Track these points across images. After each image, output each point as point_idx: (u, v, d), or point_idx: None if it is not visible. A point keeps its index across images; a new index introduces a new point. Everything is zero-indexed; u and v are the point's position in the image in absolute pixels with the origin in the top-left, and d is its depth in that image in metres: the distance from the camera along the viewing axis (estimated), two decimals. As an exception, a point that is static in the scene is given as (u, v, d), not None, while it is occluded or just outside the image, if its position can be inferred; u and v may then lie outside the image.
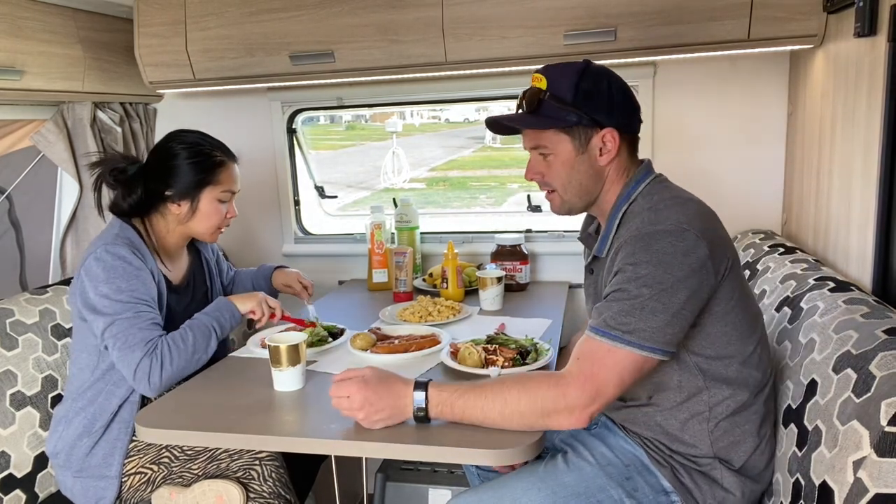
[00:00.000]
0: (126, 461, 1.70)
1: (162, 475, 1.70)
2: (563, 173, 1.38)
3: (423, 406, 1.26)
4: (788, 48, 1.92)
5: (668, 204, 1.28)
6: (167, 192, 1.74)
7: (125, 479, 1.69)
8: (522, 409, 1.21)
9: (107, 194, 1.78)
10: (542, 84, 1.36)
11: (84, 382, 1.70)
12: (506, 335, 1.69)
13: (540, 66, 1.40)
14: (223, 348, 1.92)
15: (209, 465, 1.69)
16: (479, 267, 2.36)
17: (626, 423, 1.41)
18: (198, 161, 1.75)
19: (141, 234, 1.74)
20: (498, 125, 1.46)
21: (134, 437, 1.70)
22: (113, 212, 1.76)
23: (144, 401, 1.72)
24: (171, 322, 1.73)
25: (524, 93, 1.38)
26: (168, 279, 1.79)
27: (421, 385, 1.28)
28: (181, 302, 1.82)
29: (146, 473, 1.70)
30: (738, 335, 1.29)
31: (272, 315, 1.80)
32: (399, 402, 1.27)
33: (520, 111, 1.40)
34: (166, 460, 1.70)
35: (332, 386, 1.32)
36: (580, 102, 1.33)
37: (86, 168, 2.20)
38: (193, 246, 1.96)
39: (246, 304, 1.77)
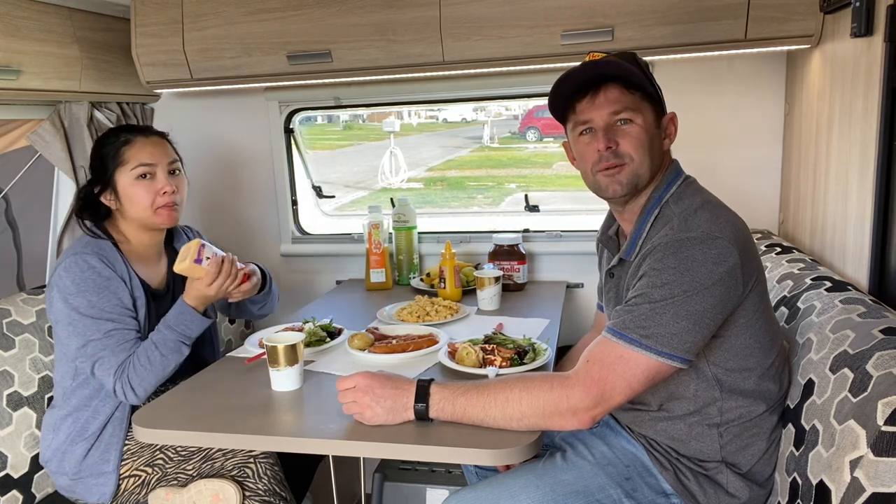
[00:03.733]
0: (121, 464, 1.69)
1: (157, 477, 1.70)
2: (646, 140, 1.30)
3: (425, 402, 1.26)
4: (785, 48, 1.92)
5: (699, 210, 1.25)
6: (95, 190, 1.73)
7: (120, 481, 1.69)
8: (524, 409, 1.21)
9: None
10: (616, 55, 1.32)
11: (66, 389, 1.71)
12: (503, 335, 1.69)
13: (597, 49, 1.37)
14: (214, 351, 1.93)
15: (204, 465, 1.69)
16: (477, 267, 2.36)
17: (631, 425, 1.41)
18: (105, 148, 1.73)
19: (115, 242, 1.73)
20: (561, 88, 1.33)
21: (127, 440, 1.70)
22: (83, 229, 1.75)
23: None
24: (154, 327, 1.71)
25: (595, 60, 1.31)
26: (147, 284, 1.77)
27: (424, 382, 1.29)
28: (162, 307, 1.78)
29: (140, 476, 1.70)
30: (760, 347, 1.27)
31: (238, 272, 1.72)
32: (401, 396, 1.27)
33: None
34: (160, 462, 1.70)
35: (338, 379, 1.34)
36: (654, 81, 1.33)
37: (81, 168, 2.20)
38: (173, 248, 1.92)
39: (199, 299, 1.67)
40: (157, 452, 1.71)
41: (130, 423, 1.70)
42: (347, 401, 1.30)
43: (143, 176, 1.71)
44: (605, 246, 1.52)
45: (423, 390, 1.27)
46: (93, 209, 1.75)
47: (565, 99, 1.36)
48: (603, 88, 1.31)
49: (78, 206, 1.76)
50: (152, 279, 1.80)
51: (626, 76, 1.30)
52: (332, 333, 1.82)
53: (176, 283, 1.88)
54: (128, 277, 1.69)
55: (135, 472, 1.70)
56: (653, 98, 1.33)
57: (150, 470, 1.70)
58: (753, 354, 1.27)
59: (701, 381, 1.28)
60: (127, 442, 1.70)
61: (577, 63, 1.33)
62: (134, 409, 1.72)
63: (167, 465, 1.70)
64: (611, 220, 1.53)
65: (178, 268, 1.65)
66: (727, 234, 1.20)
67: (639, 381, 1.19)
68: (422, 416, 1.27)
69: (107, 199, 1.74)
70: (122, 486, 1.69)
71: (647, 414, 1.36)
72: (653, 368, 1.18)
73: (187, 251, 1.65)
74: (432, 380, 1.30)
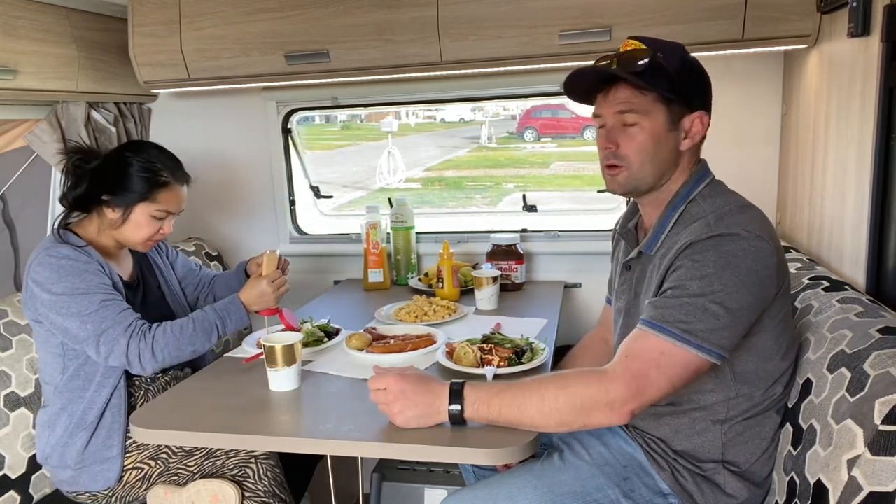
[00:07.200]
0: (125, 454, 1.70)
1: (159, 471, 1.70)
2: (649, 146, 1.29)
3: (460, 405, 1.24)
4: (783, 48, 1.93)
5: (733, 209, 1.25)
6: (104, 197, 1.70)
7: (123, 472, 1.69)
8: (561, 405, 1.19)
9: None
10: (644, 49, 1.27)
11: (56, 386, 1.70)
12: (501, 335, 1.69)
13: (635, 35, 1.31)
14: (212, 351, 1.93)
15: (205, 462, 1.69)
16: (475, 267, 2.36)
17: (634, 422, 1.40)
18: (143, 176, 1.71)
19: (80, 237, 1.72)
20: (575, 83, 1.34)
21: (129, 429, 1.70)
22: (60, 201, 1.75)
23: (130, 388, 1.74)
24: None
25: (620, 52, 1.29)
26: (119, 275, 1.77)
27: (457, 385, 1.27)
28: (135, 298, 1.80)
29: (143, 469, 1.70)
30: (778, 350, 1.27)
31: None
32: (435, 400, 1.25)
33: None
34: (164, 456, 1.70)
35: (370, 378, 1.32)
36: (684, 78, 1.28)
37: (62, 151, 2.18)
38: None
39: (255, 294, 1.77)
40: (162, 446, 1.71)
41: (130, 409, 1.71)
42: (380, 401, 1.28)
43: (158, 218, 1.74)
44: (624, 238, 1.50)
45: (456, 393, 1.25)
46: (85, 207, 1.74)
47: (587, 91, 1.37)
48: (614, 87, 1.31)
49: (75, 200, 1.72)
50: (122, 273, 1.81)
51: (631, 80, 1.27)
52: (330, 333, 1.82)
53: (145, 275, 1.90)
54: (104, 264, 1.70)
55: (138, 465, 1.70)
56: (672, 99, 1.29)
57: (153, 463, 1.70)
58: (772, 358, 1.27)
59: (719, 378, 1.27)
60: (129, 433, 1.70)
61: (584, 62, 1.33)
62: (131, 396, 1.74)
63: (170, 460, 1.70)
64: (632, 212, 1.51)
65: (271, 255, 1.84)
66: (766, 234, 1.20)
67: (679, 376, 1.17)
68: (456, 419, 1.25)
69: (110, 211, 1.71)
70: (125, 479, 1.70)
71: (652, 408, 1.34)
72: (693, 364, 1.16)
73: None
74: (464, 381, 1.28)
